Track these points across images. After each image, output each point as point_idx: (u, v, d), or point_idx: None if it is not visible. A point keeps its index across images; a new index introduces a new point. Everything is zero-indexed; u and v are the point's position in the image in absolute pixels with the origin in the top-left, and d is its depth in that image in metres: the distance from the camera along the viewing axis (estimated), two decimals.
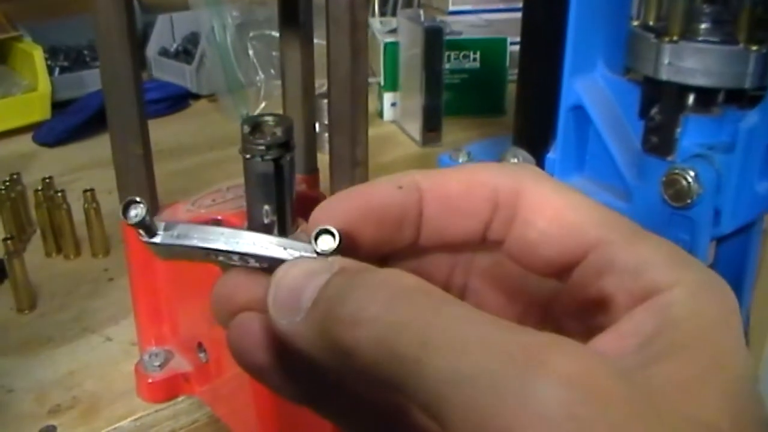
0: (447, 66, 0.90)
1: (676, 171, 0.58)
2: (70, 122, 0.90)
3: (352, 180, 0.43)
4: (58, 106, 0.94)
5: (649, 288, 0.20)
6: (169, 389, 0.50)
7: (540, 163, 0.71)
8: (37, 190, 0.65)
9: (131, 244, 0.48)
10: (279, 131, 0.43)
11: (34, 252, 0.66)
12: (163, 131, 0.94)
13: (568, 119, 0.69)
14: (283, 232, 0.45)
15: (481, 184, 0.23)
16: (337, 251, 0.22)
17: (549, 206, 0.22)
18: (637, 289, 0.20)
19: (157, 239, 0.25)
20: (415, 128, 0.87)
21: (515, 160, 0.71)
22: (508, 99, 0.93)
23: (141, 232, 0.25)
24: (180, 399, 0.50)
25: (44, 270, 0.64)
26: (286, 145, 0.43)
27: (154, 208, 0.48)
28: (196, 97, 1.02)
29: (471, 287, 0.26)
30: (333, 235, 0.23)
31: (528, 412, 0.17)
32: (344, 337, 0.19)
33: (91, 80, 0.97)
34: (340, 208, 0.24)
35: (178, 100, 0.98)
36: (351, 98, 0.41)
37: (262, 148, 0.43)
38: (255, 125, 0.44)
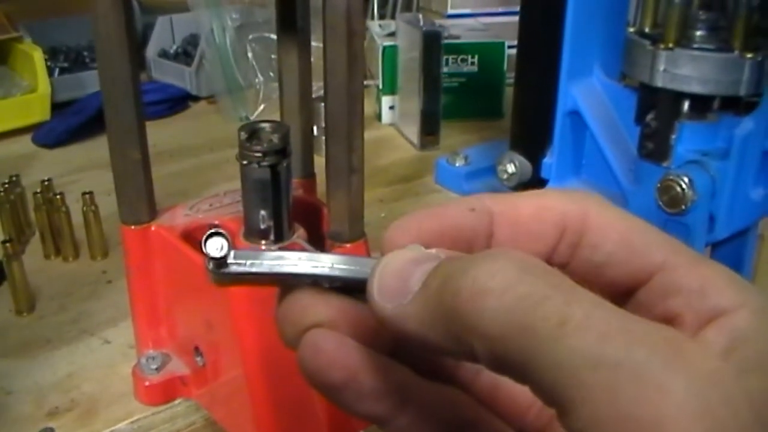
0: (445, 70, 0.90)
1: (671, 177, 0.59)
2: (70, 123, 0.90)
3: (348, 187, 0.44)
4: (57, 107, 0.94)
5: (716, 309, 0.21)
6: (166, 392, 0.50)
7: (536, 167, 0.72)
8: (36, 193, 0.65)
9: (129, 248, 0.49)
10: (276, 138, 0.44)
11: (33, 254, 0.67)
12: (162, 133, 0.94)
13: (565, 124, 0.70)
14: (279, 238, 0.45)
15: (549, 208, 0.24)
16: None
17: (615, 230, 0.23)
18: (704, 309, 0.21)
19: (229, 269, 0.24)
20: (413, 132, 0.87)
21: (511, 165, 0.71)
22: (506, 102, 0.93)
23: (212, 264, 0.24)
24: (177, 402, 0.51)
25: (43, 272, 0.64)
26: (282, 152, 0.44)
27: (151, 212, 0.48)
28: (196, 98, 1.02)
29: None
30: None
31: (670, 405, 0.17)
32: (466, 309, 0.19)
33: (90, 81, 0.97)
34: (416, 228, 0.24)
35: (177, 101, 0.99)
36: (347, 105, 0.41)
37: (259, 154, 0.43)
38: (252, 132, 0.44)
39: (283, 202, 0.45)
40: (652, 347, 0.18)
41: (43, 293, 0.62)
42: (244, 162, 0.44)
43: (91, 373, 0.53)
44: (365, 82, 1.00)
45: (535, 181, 0.72)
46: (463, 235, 0.24)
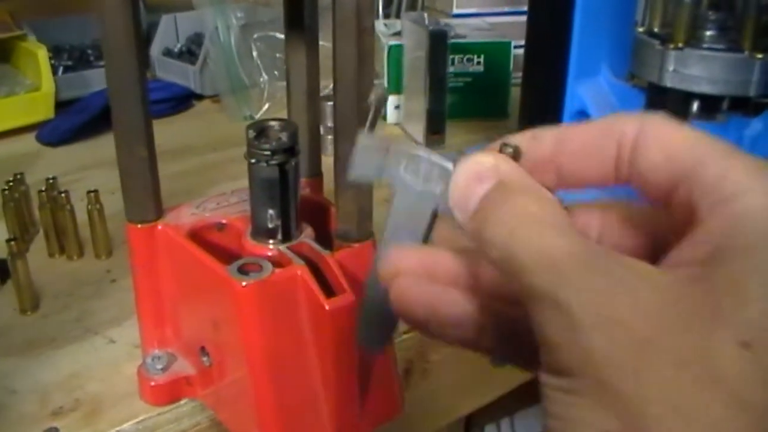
0: (451, 69, 0.90)
1: None
2: (74, 121, 0.90)
3: (356, 187, 0.43)
4: (61, 105, 0.94)
5: (726, 196, 0.23)
6: (171, 392, 0.50)
7: None
8: (40, 191, 0.65)
9: (135, 246, 0.48)
10: (284, 136, 0.43)
11: (37, 252, 0.66)
12: (166, 131, 0.94)
13: None
14: (287, 237, 0.45)
15: (609, 128, 0.27)
16: None
17: (660, 139, 0.26)
18: (717, 198, 0.23)
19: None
20: (418, 131, 0.87)
21: None
22: (511, 102, 0.93)
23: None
24: (183, 402, 0.50)
25: (47, 270, 0.64)
26: (291, 150, 0.44)
27: (158, 210, 0.48)
28: (200, 97, 1.02)
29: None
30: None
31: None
32: (485, 236, 0.26)
33: (94, 79, 0.97)
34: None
35: (181, 100, 0.99)
36: (357, 104, 0.41)
37: (267, 153, 0.43)
38: (260, 130, 0.44)
39: (291, 201, 0.45)
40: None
41: (47, 292, 0.61)
42: (252, 160, 0.43)
43: (95, 372, 0.53)
44: None
45: None
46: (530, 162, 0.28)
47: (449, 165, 0.29)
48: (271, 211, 0.44)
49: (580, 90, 0.68)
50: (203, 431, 0.50)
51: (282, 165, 0.43)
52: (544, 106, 0.70)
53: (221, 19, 0.93)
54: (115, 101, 0.44)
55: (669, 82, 0.60)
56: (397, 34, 0.92)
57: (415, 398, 0.62)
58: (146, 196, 0.47)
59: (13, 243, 0.57)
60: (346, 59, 0.40)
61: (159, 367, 0.49)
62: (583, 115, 0.69)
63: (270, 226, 0.45)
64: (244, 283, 0.41)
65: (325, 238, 0.47)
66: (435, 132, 0.85)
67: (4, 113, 0.89)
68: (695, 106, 0.60)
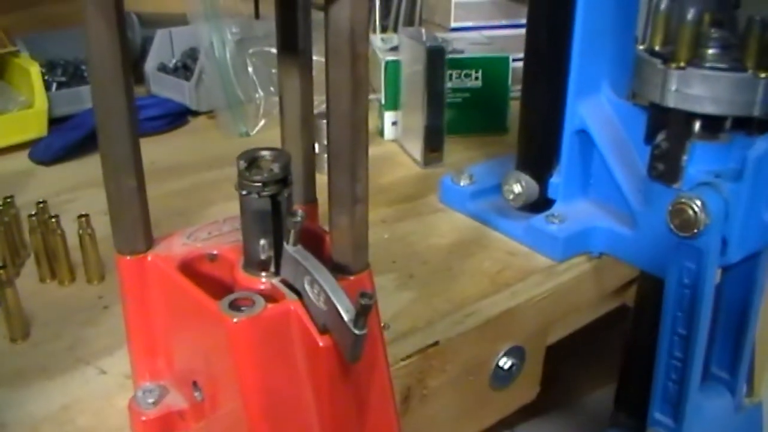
0: (449, 85, 0.89)
1: (683, 200, 0.57)
2: (67, 139, 0.89)
3: (351, 217, 0.42)
4: (55, 121, 0.93)
5: None
6: (163, 427, 0.48)
7: (543, 186, 0.70)
8: (30, 215, 0.64)
9: (124, 278, 0.47)
10: (276, 167, 0.42)
11: (28, 277, 0.65)
12: (160, 149, 0.93)
13: (572, 143, 0.68)
14: (280, 269, 0.44)
15: None
16: None
17: None
18: None
19: None
20: (416, 148, 0.85)
21: (518, 185, 0.69)
22: (511, 116, 0.92)
23: None
24: None
25: (38, 296, 0.63)
26: (283, 181, 0.42)
27: (147, 241, 0.46)
28: (195, 113, 1.01)
29: None
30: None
31: None
32: None
33: (88, 96, 0.95)
34: None
35: (176, 116, 0.97)
36: (351, 133, 0.40)
37: (259, 184, 0.41)
38: (251, 160, 0.43)
39: (283, 232, 0.43)
40: None
41: (38, 319, 0.60)
42: (244, 192, 0.42)
43: (86, 405, 0.52)
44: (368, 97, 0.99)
45: (542, 201, 0.70)
46: None
47: (335, 300, 0.38)
48: (263, 243, 0.43)
49: (580, 108, 0.67)
50: None
51: (274, 196, 0.42)
52: (544, 124, 0.69)
53: (216, 33, 0.91)
54: (102, 129, 0.43)
55: (671, 102, 0.58)
56: (395, 48, 0.91)
57: (413, 425, 0.60)
58: (135, 227, 0.45)
59: (1, 271, 0.55)
60: (339, 87, 0.39)
61: (150, 401, 0.48)
62: (583, 134, 0.67)
63: (262, 257, 0.43)
64: (235, 320, 0.40)
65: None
66: (433, 149, 0.84)
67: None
68: (697, 125, 0.59)
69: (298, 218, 0.42)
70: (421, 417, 0.61)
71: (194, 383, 0.46)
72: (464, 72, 0.89)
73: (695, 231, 0.57)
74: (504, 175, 0.71)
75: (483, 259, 0.68)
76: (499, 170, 0.73)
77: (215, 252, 0.47)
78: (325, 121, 0.86)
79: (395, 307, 0.62)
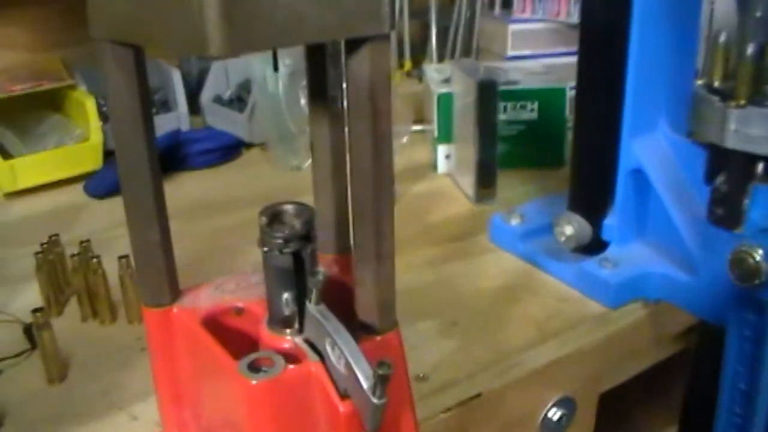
0: (503, 117, 0.86)
1: (743, 249, 0.53)
2: None
3: (376, 276, 0.40)
4: (110, 154, 0.94)
5: None
6: None
7: (597, 228, 0.67)
8: (72, 255, 0.64)
9: (151, 330, 0.46)
10: (298, 223, 0.40)
11: (71, 316, 0.65)
12: (212, 182, 0.93)
13: (627, 183, 0.65)
14: (303, 325, 0.42)
15: None
16: None
17: None
18: None
19: None
20: (468, 183, 0.83)
21: (569, 227, 0.66)
22: (567, 150, 0.89)
23: None
24: None
25: (79, 336, 0.63)
26: (306, 237, 0.41)
27: (173, 293, 0.45)
28: (249, 145, 1.00)
29: None
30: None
31: None
32: None
33: None
34: None
35: (230, 149, 0.97)
36: (373, 191, 0.38)
37: (281, 241, 0.40)
38: (273, 215, 0.41)
39: (308, 287, 0.42)
40: None
41: (77, 359, 0.60)
42: (265, 249, 0.41)
43: None
44: (422, 128, 0.97)
45: (596, 244, 0.67)
46: None
47: (355, 365, 0.36)
48: (286, 299, 0.41)
49: (635, 146, 0.64)
50: None
51: (296, 253, 0.40)
52: (597, 163, 0.66)
53: (269, 66, 0.91)
54: (124, 183, 0.42)
55: (731, 142, 0.55)
56: (448, 80, 0.89)
57: None
58: (160, 280, 0.44)
59: (39, 314, 0.56)
60: (361, 143, 0.37)
61: None
62: (639, 174, 0.64)
63: (286, 314, 0.42)
64: (254, 382, 0.39)
65: (351, 321, 0.44)
66: (485, 186, 0.81)
67: (54, 164, 0.89)
68: (760, 168, 0.55)
69: (320, 277, 0.40)
70: None
71: None
72: (519, 103, 0.87)
73: (757, 282, 0.54)
74: (555, 215, 0.68)
75: (531, 305, 0.65)
76: (552, 209, 0.70)
77: (241, 305, 0.46)
78: None
79: (436, 356, 0.59)
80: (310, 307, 0.40)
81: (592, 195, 0.67)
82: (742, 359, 0.57)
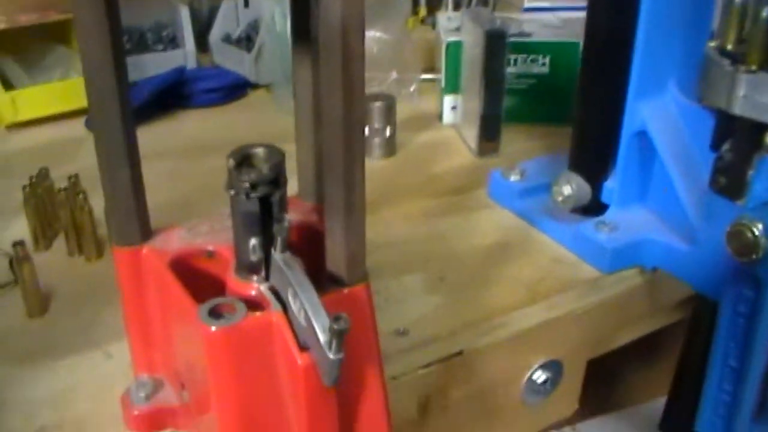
0: (513, 70, 0.84)
1: (743, 222, 0.51)
2: None
3: (346, 226, 0.39)
4: None
5: None
6: (154, 422, 0.47)
7: (596, 190, 0.65)
8: (59, 189, 0.63)
9: (120, 268, 0.45)
10: (266, 167, 0.39)
11: (58, 250, 0.65)
12: (216, 121, 0.92)
13: (631, 145, 0.62)
14: (269, 273, 0.41)
15: None
16: None
17: None
18: None
19: None
20: (472, 136, 0.81)
21: (568, 187, 0.64)
22: None
23: None
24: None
25: (64, 271, 0.62)
26: (275, 182, 0.40)
27: (144, 233, 0.44)
28: (255, 86, 0.99)
29: None
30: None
31: None
32: None
33: (151, 64, 0.95)
34: None
35: (234, 89, 0.96)
36: (344, 139, 0.36)
37: (247, 185, 0.39)
38: (243, 158, 0.40)
39: (276, 234, 0.41)
40: None
41: (59, 294, 0.60)
42: (232, 192, 0.39)
43: (87, 390, 0.51)
44: (432, 77, 0.95)
45: (595, 206, 0.65)
46: None
47: (313, 318, 0.36)
48: (252, 245, 0.40)
49: (642, 108, 0.61)
50: None
51: (264, 198, 0.39)
52: (601, 123, 0.64)
53: (278, 6, 0.89)
54: (94, 119, 0.41)
55: (738, 109, 0.52)
56: (459, 29, 0.86)
57: None
58: (129, 219, 0.44)
59: (19, 247, 0.55)
60: (331, 88, 0.36)
61: (142, 395, 0.47)
62: (644, 136, 0.62)
63: (253, 260, 0.41)
64: (213, 328, 0.38)
65: (322, 271, 0.43)
66: (489, 139, 0.79)
67: (56, 97, 0.88)
68: None
69: (285, 224, 0.39)
70: (441, 427, 0.57)
71: (182, 384, 0.44)
72: (530, 57, 0.84)
73: (754, 256, 0.51)
74: (556, 174, 0.66)
75: (523, 265, 0.64)
76: (553, 168, 0.68)
77: (212, 249, 0.45)
78: (377, 104, 0.82)
79: (419, 311, 0.58)
80: (275, 254, 0.39)
81: (593, 155, 0.65)
82: (735, 335, 0.55)
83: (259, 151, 0.40)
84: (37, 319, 0.57)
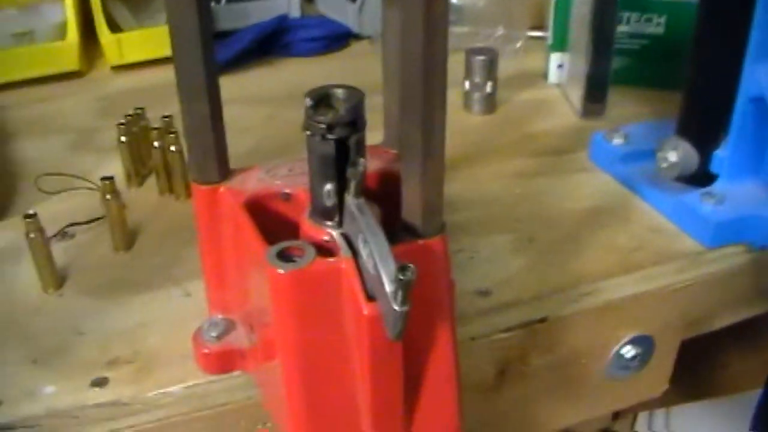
0: (625, 28, 0.79)
1: None
2: (227, 54, 0.88)
3: (422, 175, 0.37)
4: (221, 35, 0.93)
5: None
6: (224, 363, 0.47)
7: (705, 159, 0.60)
8: (152, 129, 0.64)
9: (197, 207, 0.45)
10: (344, 108, 0.38)
11: (151, 189, 0.66)
12: (315, 70, 0.91)
13: (747, 112, 0.57)
14: (343, 219, 0.40)
15: None
16: None
17: None
18: None
19: None
20: (577, 96, 0.77)
21: (674, 153, 0.60)
22: None
23: None
24: (237, 374, 0.47)
25: (153, 209, 0.63)
26: (352, 124, 0.38)
27: (222, 172, 0.44)
28: (358, 37, 0.97)
29: None
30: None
31: None
32: None
33: (255, 11, 0.95)
34: None
35: (336, 39, 0.94)
36: (423, 79, 0.34)
37: (323, 126, 0.37)
38: (321, 98, 0.39)
39: (352, 179, 0.39)
40: None
41: (147, 231, 0.61)
42: (308, 133, 0.38)
43: (162, 326, 0.51)
44: (537, 34, 0.91)
45: (703, 176, 0.60)
46: None
47: (381, 267, 0.34)
48: (327, 190, 0.39)
49: (761, 72, 0.56)
50: (254, 405, 0.47)
51: (341, 141, 0.38)
52: (714, 86, 0.59)
53: None
54: (176, 55, 0.40)
55: None
56: None
57: (508, 401, 0.55)
58: (207, 157, 0.43)
59: (107, 182, 0.56)
60: (411, 25, 0.34)
61: (213, 334, 0.47)
62: (761, 103, 0.57)
63: (328, 205, 0.40)
64: (280, 270, 0.37)
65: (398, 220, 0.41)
66: (594, 100, 0.75)
67: (161, 41, 0.89)
68: None
69: (360, 168, 0.37)
70: (518, 394, 0.55)
71: (251, 326, 0.44)
72: (645, 16, 0.79)
73: None
74: (661, 139, 0.62)
75: (619, 232, 0.60)
76: (659, 133, 0.64)
77: (288, 191, 0.44)
78: (479, 57, 0.79)
79: (505, 272, 0.56)
80: (349, 199, 0.38)
81: (704, 121, 0.60)
82: None
83: (339, 92, 0.38)
84: (122, 254, 0.58)
